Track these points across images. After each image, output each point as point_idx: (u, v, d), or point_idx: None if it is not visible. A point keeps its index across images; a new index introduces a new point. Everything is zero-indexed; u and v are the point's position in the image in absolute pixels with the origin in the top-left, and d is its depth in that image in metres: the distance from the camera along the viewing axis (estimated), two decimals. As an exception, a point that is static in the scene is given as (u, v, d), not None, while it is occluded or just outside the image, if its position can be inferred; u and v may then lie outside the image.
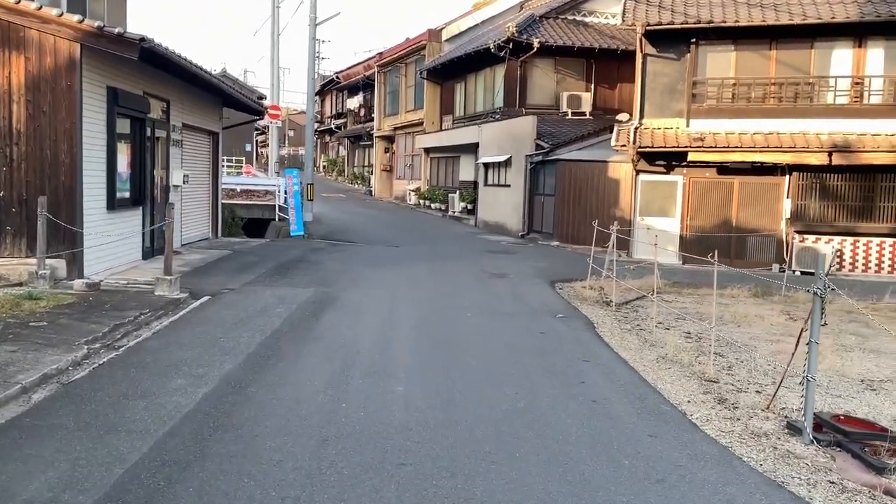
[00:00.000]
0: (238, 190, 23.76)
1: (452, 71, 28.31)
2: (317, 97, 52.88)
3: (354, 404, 5.74)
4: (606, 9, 25.51)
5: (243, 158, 38.45)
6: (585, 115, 23.65)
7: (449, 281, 12.54)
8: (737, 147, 16.88)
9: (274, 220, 22.88)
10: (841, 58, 17.02)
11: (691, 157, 17.24)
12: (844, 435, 5.28)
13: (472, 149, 25.56)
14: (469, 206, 26.13)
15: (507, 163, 22.45)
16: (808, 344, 5.40)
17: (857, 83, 16.81)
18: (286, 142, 76.00)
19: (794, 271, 16.93)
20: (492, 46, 23.55)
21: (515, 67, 24.00)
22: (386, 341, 7.99)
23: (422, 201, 30.18)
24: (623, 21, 17.82)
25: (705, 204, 18.01)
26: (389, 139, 35.58)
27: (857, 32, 16.69)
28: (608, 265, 12.76)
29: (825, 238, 17.04)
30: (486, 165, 24.17)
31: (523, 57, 23.59)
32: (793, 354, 5.95)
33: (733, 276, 13.24)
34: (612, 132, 20.93)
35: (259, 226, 24.91)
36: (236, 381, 6.21)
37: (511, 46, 23.26)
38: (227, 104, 18.65)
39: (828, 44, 17.05)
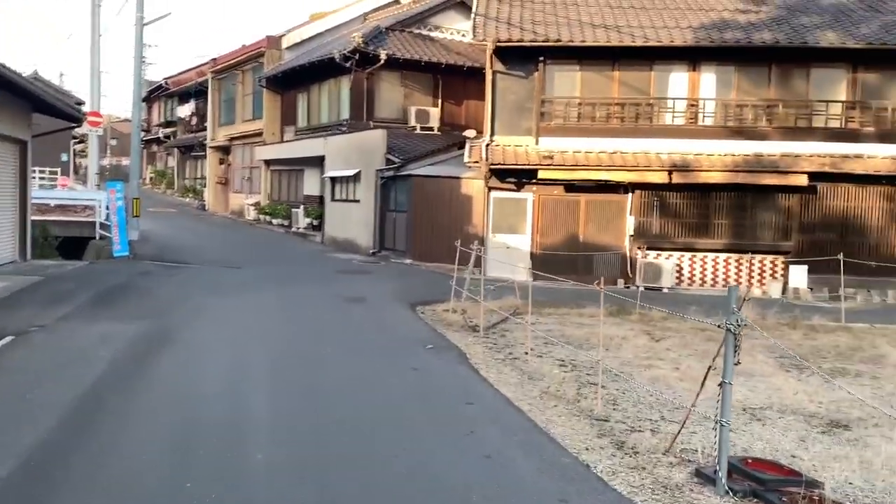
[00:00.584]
0: (52, 205, 21.05)
1: (295, 80, 26.96)
2: (143, 104, 49.18)
3: (203, 482, 4.59)
4: (452, 24, 25.32)
5: (58, 169, 34.64)
6: (433, 130, 23.23)
7: (303, 309, 11.39)
8: (584, 165, 17.00)
9: (94, 238, 20.47)
10: (678, 81, 17.66)
11: (541, 174, 17.18)
12: (759, 483, 4.86)
13: (318, 162, 24.36)
14: (315, 222, 24.87)
15: (357, 177, 21.51)
16: (720, 385, 4.94)
17: (692, 105, 17.49)
18: (108, 151, 70.36)
19: (638, 287, 17.28)
20: (337, 56, 22.55)
21: (362, 79, 23.14)
22: (237, 392, 6.80)
23: (262, 216, 28.48)
24: (474, 37, 17.51)
25: (554, 221, 18.03)
26: (225, 150, 33.46)
27: (692, 57, 17.39)
28: (468, 285, 12.19)
29: (665, 254, 17.54)
30: (334, 180, 23.08)
31: (370, 69, 22.79)
32: (697, 394, 5.50)
33: (585, 293, 13.12)
34: (463, 148, 20.60)
35: (78, 245, 22.23)
36: (43, 458, 4.85)
37: (357, 57, 22.38)
38: (39, 109, 16.33)
39: (666, 67, 17.63)
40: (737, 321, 4.73)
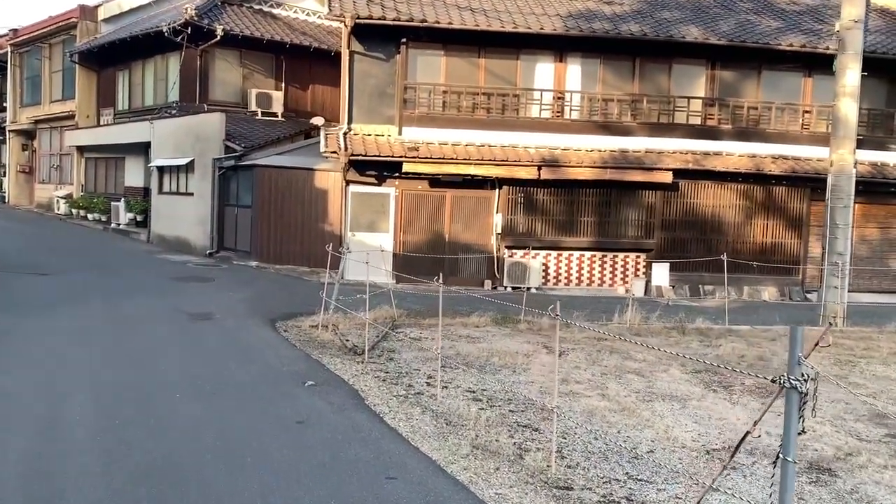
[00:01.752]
0: None
1: (114, 56, 23.36)
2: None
3: None
4: (296, 2, 22.96)
5: None
6: (277, 116, 20.88)
7: (134, 334, 8.90)
8: (452, 159, 15.55)
9: None
10: (544, 71, 16.66)
11: (406, 167, 15.52)
12: None
13: (142, 149, 21.15)
14: (139, 218, 21.61)
15: (190, 167, 18.69)
16: (774, 463, 3.52)
17: (558, 97, 16.57)
18: None
19: (505, 287, 16.16)
20: (166, 30, 19.53)
21: (195, 57, 20.28)
22: (51, 476, 4.55)
23: (75, 210, 24.56)
24: (329, 11, 15.45)
25: (418, 218, 16.44)
26: (29, 134, 28.77)
27: (559, 47, 16.43)
28: (335, 294, 10.32)
29: (533, 252, 16.52)
30: (162, 169, 20.04)
31: (204, 45, 20.00)
32: (731, 457, 4.09)
33: (461, 299, 11.71)
34: (310, 137, 18.62)
35: None
36: None
37: (190, 31, 19.52)
38: None
39: (533, 56, 16.56)
40: (803, 376, 3.33)
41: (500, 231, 16.44)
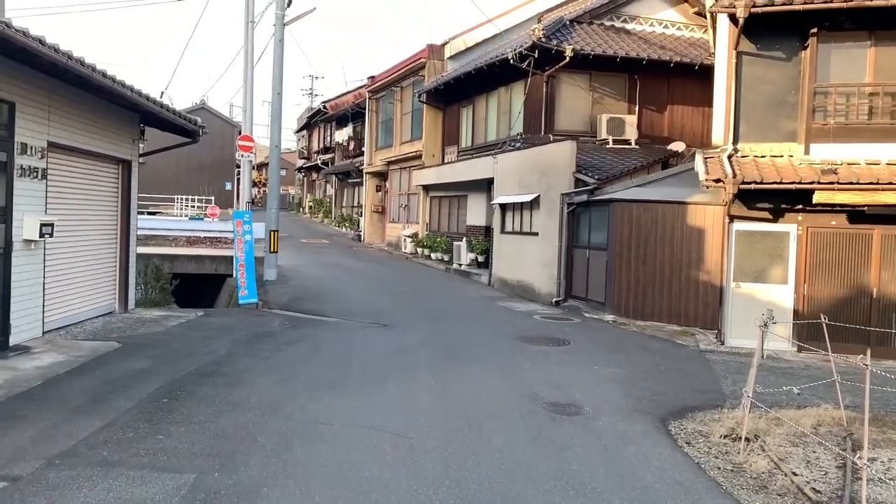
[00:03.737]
0: (174, 237, 17.78)
1: (458, 92, 22.60)
2: (304, 131, 47.22)
3: None
4: (652, 14, 19.90)
5: (212, 198, 32.48)
6: (630, 144, 17.89)
7: (478, 438, 6.20)
8: (888, 184, 10.98)
9: (232, 276, 16.94)
10: None
11: (818, 197, 11.32)
12: None
13: (484, 186, 19.69)
14: (480, 258, 20.15)
15: (535, 203, 16.53)
16: None
17: None
18: (276, 180, 70.30)
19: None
20: (511, 55, 17.83)
21: (541, 84, 18.26)
22: None
23: (420, 249, 24.20)
24: (716, 3, 12.02)
25: (830, 265, 12.04)
26: (382, 175, 29.73)
27: None
28: (751, 383, 6.78)
29: None
30: (504, 207, 18.26)
31: (550, 70, 17.89)
32: None
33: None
34: (672, 165, 15.35)
35: (213, 285, 18.88)
36: None
37: (536, 55, 17.56)
38: (148, 122, 12.77)
39: None
40: None
41: (960, 285, 11.33)
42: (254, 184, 79.34)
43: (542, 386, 8.01)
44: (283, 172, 69.34)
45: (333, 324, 12.03)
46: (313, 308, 13.56)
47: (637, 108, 18.77)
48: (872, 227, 11.76)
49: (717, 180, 11.61)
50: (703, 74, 18.56)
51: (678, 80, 18.91)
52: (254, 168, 71.25)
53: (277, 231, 17.09)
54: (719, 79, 13.30)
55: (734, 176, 11.49)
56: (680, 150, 17.72)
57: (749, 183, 11.46)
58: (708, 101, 19.27)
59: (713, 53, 16.84)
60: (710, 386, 8.58)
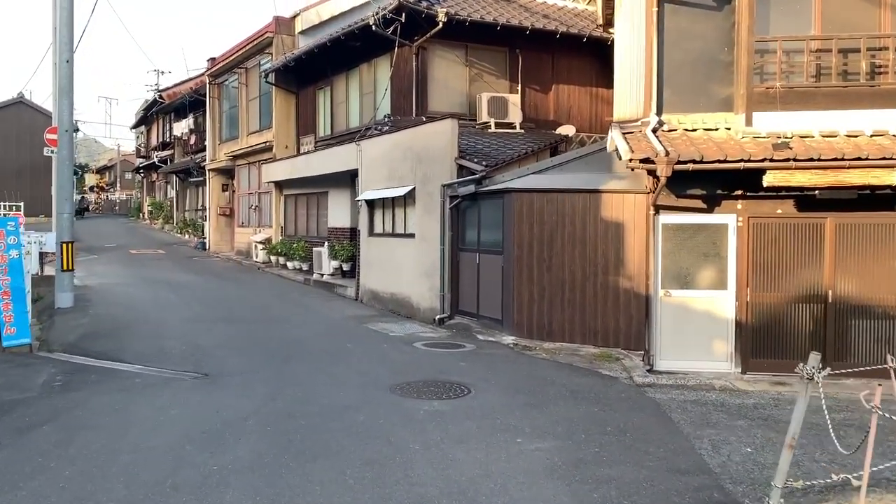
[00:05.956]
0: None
1: (313, 72, 19.05)
2: (142, 126, 41.56)
3: None
4: (534, -22, 17.25)
5: (21, 204, 26.89)
6: (514, 128, 15.11)
7: None
8: (855, 159, 8.67)
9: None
10: None
11: (770, 178, 8.84)
12: None
13: (348, 180, 16.30)
14: (346, 267, 16.73)
15: (409, 198, 13.34)
16: None
17: None
18: (118, 185, 62.97)
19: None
20: (373, 21, 14.55)
21: (409, 57, 15.12)
22: None
23: (274, 258, 20.38)
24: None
25: (777, 263, 9.66)
26: (228, 173, 25.50)
27: None
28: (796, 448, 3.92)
29: None
30: (372, 204, 14.93)
31: (420, 40, 14.79)
32: None
33: None
34: (561, 152, 12.87)
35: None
36: None
37: (403, 20, 14.37)
38: None
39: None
40: None
41: (928, 282, 9.24)
42: (93, 189, 70.73)
43: (439, 497, 4.75)
44: (129, 175, 62.30)
45: (128, 376, 8.23)
46: (109, 349, 9.64)
47: (520, 87, 16.03)
48: (825, 214, 9.46)
49: (646, 160, 8.87)
50: (592, 51, 16.17)
51: (564, 56, 16.39)
52: (92, 171, 63.35)
53: (72, 243, 12.88)
54: (622, 35, 10.63)
55: (667, 154, 8.80)
56: (570, 135, 15.18)
57: (686, 162, 8.81)
58: (598, 82, 16.92)
59: (601, 25, 14.49)
60: (689, 460, 5.68)
